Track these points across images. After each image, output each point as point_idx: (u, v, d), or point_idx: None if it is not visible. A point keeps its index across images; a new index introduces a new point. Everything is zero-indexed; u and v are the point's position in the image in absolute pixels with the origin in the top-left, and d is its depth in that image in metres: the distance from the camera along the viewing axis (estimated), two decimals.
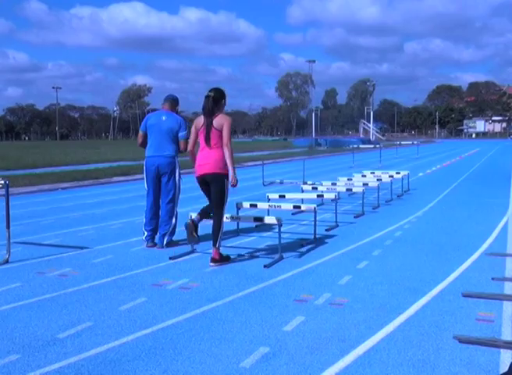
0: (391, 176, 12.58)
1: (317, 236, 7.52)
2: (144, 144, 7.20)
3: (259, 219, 6.68)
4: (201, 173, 6.02)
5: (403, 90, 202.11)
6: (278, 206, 7.46)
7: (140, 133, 7.26)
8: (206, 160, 5.99)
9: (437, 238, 7.53)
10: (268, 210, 8.48)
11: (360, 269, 5.82)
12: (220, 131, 5.95)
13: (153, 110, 7.53)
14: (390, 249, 6.85)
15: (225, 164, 6.00)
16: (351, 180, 11.74)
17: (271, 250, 6.80)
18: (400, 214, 9.81)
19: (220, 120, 5.96)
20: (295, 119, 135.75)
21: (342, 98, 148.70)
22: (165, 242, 7.05)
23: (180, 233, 7.69)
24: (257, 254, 6.64)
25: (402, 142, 43.61)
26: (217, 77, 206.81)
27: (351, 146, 30.63)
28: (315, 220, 7.53)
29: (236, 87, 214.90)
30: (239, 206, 7.74)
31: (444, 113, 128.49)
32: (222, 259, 6.13)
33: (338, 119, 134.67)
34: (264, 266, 5.94)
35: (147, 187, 7.17)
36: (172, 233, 7.13)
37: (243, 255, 6.56)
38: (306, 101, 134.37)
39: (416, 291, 4.99)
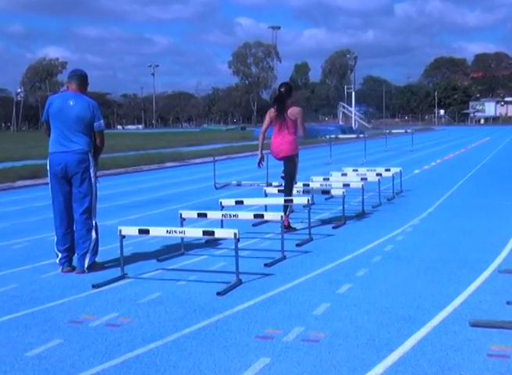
0: (379, 175, 12.74)
1: (285, 253, 7.55)
2: None
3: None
4: (279, 157, 9.42)
5: (394, 64, 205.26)
6: (234, 216, 7.45)
7: (44, 124, 7.14)
8: (281, 145, 9.31)
9: (438, 253, 7.64)
10: (222, 221, 8.46)
11: (341, 295, 5.86)
12: (293, 121, 9.26)
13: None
14: (379, 268, 6.92)
15: (296, 146, 9.37)
16: (328, 180, 11.84)
17: (225, 273, 6.79)
18: (391, 223, 9.94)
19: (293, 111, 9.27)
20: (255, 103, 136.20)
21: (315, 75, 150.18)
22: (86, 264, 6.96)
23: (105, 252, 7.60)
24: (208, 278, 6.62)
25: (392, 131, 44.17)
26: (154, 48, 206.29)
27: (328, 136, 30.87)
28: (283, 233, 7.55)
29: (179, 62, 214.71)
30: (183, 217, 7.71)
31: (445, 93, 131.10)
32: (290, 227, 9.15)
33: (311, 102, 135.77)
34: (218, 294, 5.93)
35: (53, 193, 7.08)
36: (94, 251, 7.04)
37: (190, 280, 6.54)
38: (269, 78, 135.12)
39: (412, 321, 5.05)
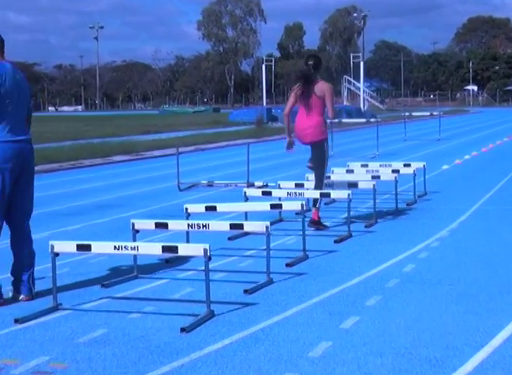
0: (396, 172, 12.76)
1: (272, 275, 7.53)
2: None
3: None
4: (305, 141, 10.81)
5: (415, 26, 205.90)
6: (204, 226, 7.43)
7: None
8: (306, 129, 10.64)
9: (473, 275, 7.67)
10: (188, 233, 8.44)
11: (346, 331, 5.86)
12: (321, 99, 10.54)
13: None
14: (396, 295, 6.92)
15: (324, 130, 10.75)
16: (329, 178, 11.85)
17: (193, 302, 6.78)
18: (412, 235, 9.96)
19: (321, 87, 10.56)
20: (233, 76, 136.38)
21: (312, 40, 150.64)
22: (34, 289, 7.08)
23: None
24: (170, 309, 6.61)
25: (413, 113, 44.30)
26: (98, 5, 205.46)
27: (328, 121, 30.93)
28: (269, 249, 7.54)
29: (132, 22, 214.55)
30: (136, 228, 7.68)
31: (482, 64, 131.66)
32: (320, 223, 10.44)
33: None
34: (183, 330, 5.92)
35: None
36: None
37: (145, 312, 6.53)
38: (251, 44, 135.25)
39: (439, 365, 5.05)
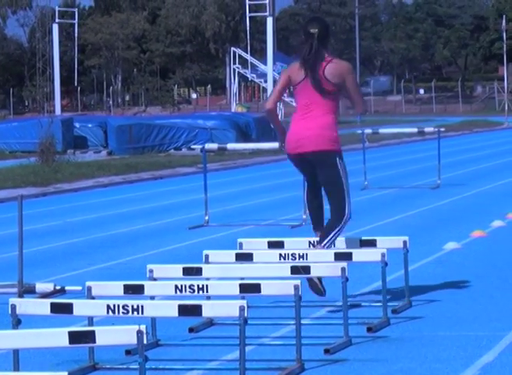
0: (343, 258, 12.84)
1: None
2: None
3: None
4: (298, 150, 13.20)
5: None
6: None
7: None
8: (308, 130, 13.09)
9: None
10: None
11: None
12: (334, 86, 13.20)
13: None
14: None
15: (336, 135, 13.27)
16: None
17: None
18: None
19: (336, 69, 13.25)
20: None
21: None
22: None
23: None
24: None
25: (382, 130, 45.20)
26: None
27: (194, 145, 31.27)
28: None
29: None
30: None
31: None
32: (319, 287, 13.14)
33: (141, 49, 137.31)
34: None
35: None
36: None
37: None
38: None
39: None
